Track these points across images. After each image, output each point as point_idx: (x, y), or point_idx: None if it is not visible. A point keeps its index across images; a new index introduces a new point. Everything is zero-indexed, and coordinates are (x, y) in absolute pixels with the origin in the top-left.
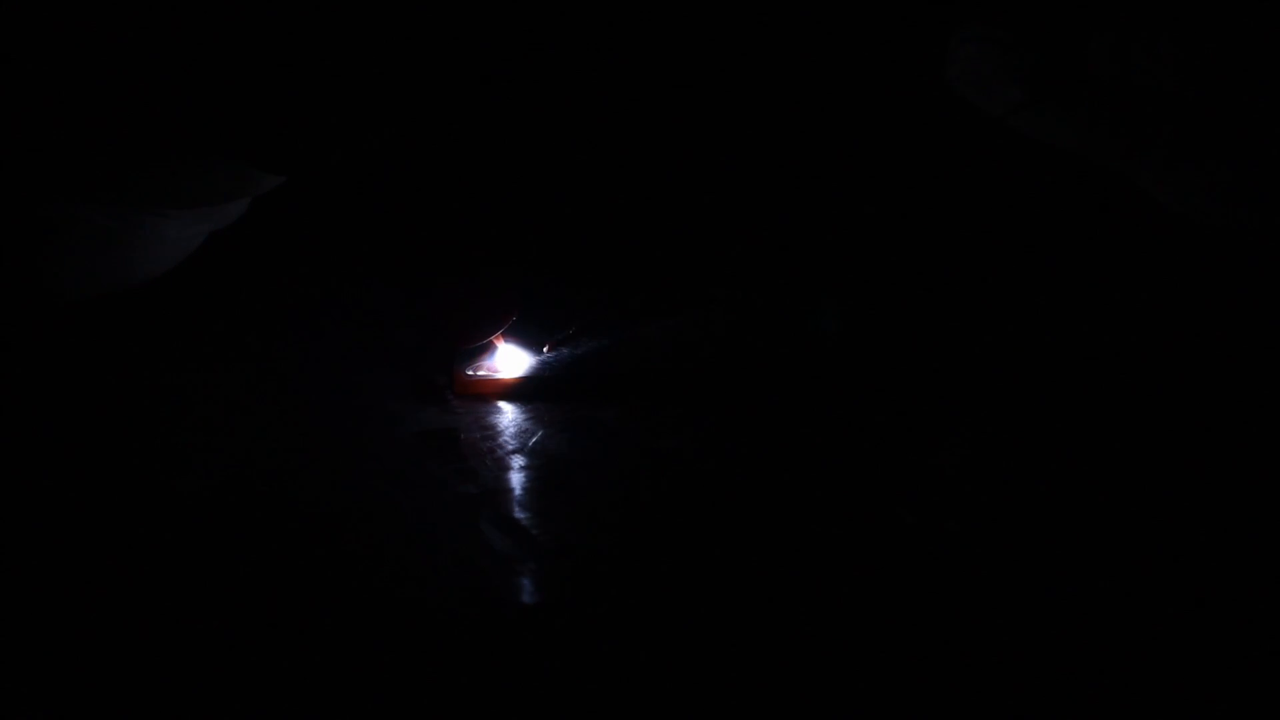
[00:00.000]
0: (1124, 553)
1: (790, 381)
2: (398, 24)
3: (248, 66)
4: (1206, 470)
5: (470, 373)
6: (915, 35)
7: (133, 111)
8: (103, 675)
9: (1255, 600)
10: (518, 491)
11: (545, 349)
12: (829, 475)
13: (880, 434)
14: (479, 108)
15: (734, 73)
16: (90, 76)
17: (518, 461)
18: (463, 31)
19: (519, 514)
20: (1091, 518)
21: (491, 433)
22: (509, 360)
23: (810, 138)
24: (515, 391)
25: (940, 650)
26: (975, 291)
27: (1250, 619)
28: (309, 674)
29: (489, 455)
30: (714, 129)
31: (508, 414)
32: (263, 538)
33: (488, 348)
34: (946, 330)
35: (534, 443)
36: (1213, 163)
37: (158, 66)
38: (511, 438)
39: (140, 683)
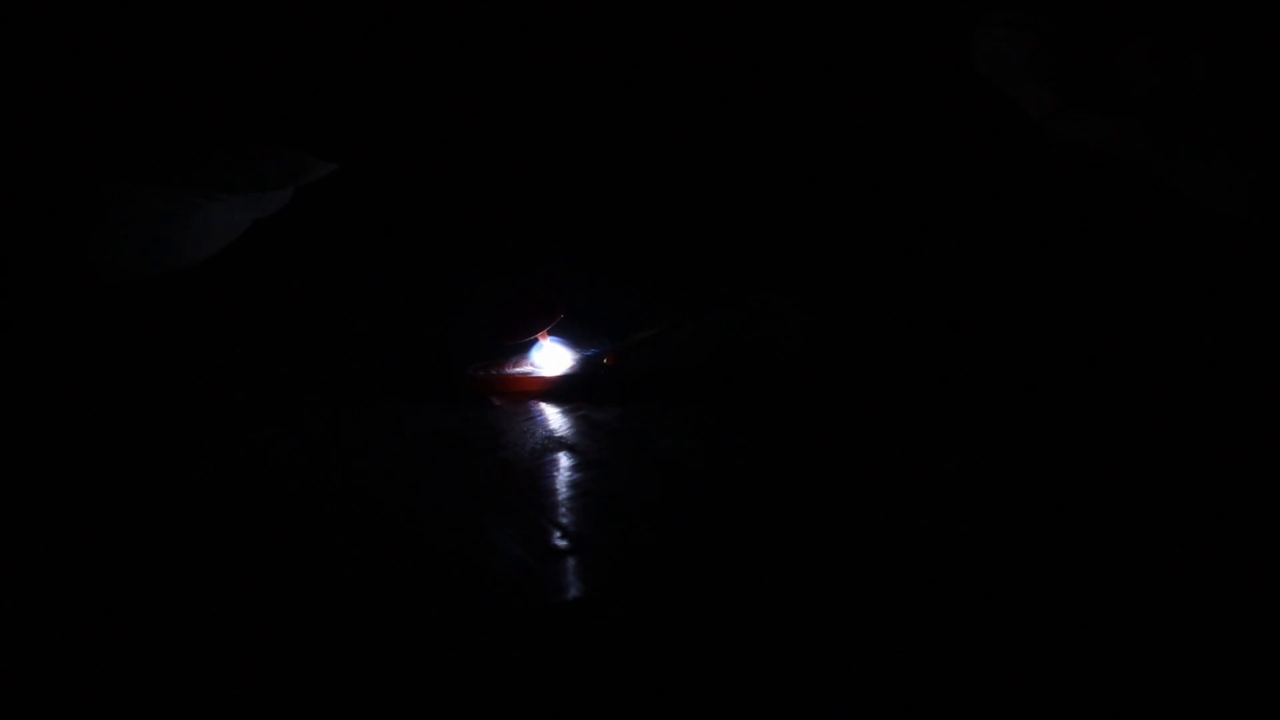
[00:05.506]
0: (1133, 554)
1: (791, 383)
2: (459, 22)
3: (309, 54)
4: (1217, 471)
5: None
6: (931, 27)
7: (193, 93)
8: (108, 672)
9: (1261, 602)
10: (521, 492)
11: (608, 358)
12: (835, 477)
13: (890, 436)
14: (519, 114)
15: (736, 68)
16: (151, 58)
17: (521, 462)
18: (512, 40)
19: (522, 514)
20: (1101, 519)
21: (495, 433)
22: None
23: (821, 136)
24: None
25: (951, 649)
26: (985, 295)
27: (1257, 621)
28: (311, 674)
29: (493, 455)
30: (721, 131)
31: (511, 414)
32: (264, 538)
33: (522, 346)
34: (956, 333)
35: (537, 443)
36: (1242, 161)
37: (220, 50)
38: (515, 438)
39: (139, 682)
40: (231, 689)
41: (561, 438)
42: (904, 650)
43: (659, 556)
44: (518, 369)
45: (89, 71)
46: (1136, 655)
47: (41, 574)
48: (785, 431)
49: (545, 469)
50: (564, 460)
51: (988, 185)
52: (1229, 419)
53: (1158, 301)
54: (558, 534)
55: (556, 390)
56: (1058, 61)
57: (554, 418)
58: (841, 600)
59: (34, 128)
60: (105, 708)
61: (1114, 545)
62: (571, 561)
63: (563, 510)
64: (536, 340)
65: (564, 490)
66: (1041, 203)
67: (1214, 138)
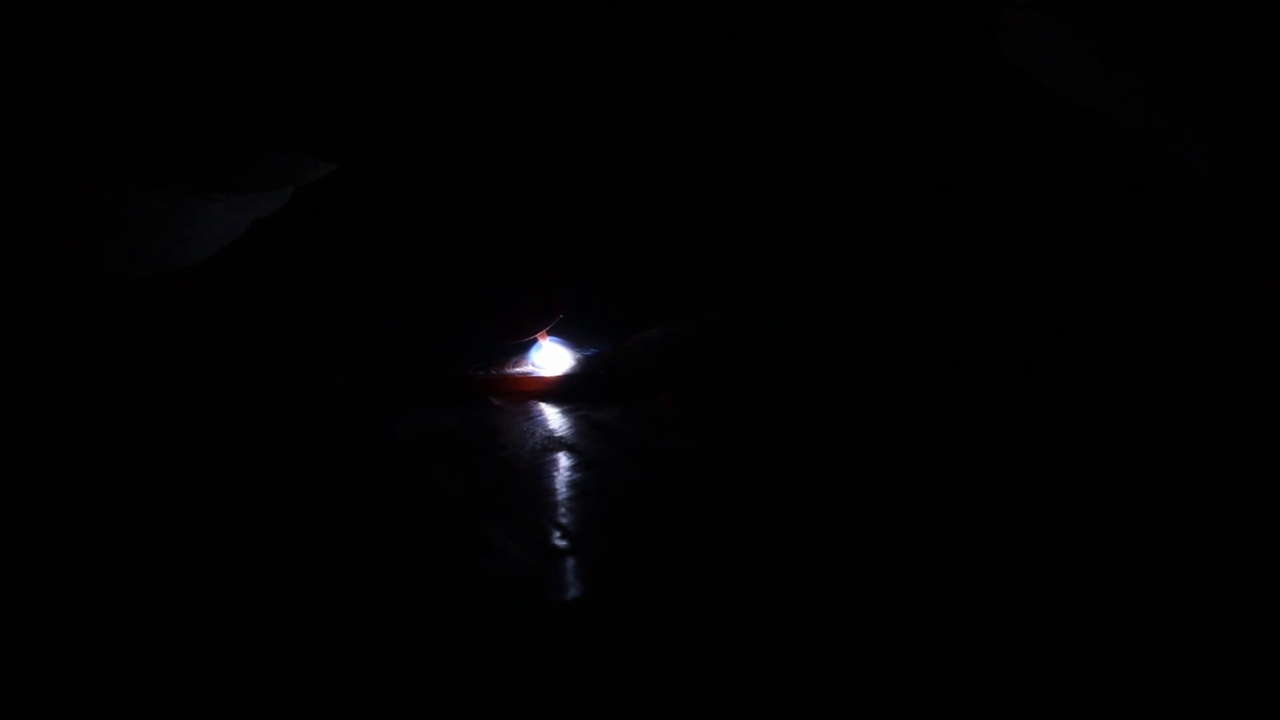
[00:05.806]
0: (1135, 555)
1: (792, 383)
2: (460, 22)
3: (308, 53)
4: (1220, 469)
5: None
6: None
7: (191, 92)
8: (107, 672)
9: (1262, 602)
10: (521, 492)
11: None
12: (836, 478)
13: (890, 436)
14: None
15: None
16: (149, 57)
17: (521, 462)
18: (512, 41)
19: (522, 514)
20: (1103, 521)
21: (495, 433)
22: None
23: (825, 134)
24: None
25: (952, 650)
26: (987, 292)
27: (1258, 621)
28: (311, 675)
29: (493, 455)
30: (720, 128)
31: (511, 414)
32: (263, 539)
33: (518, 347)
34: (955, 332)
35: (537, 443)
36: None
37: (218, 49)
38: (515, 438)
39: (139, 683)
40: (231, 690)
41: (561, 438)
42: (904, 651)
43: (659, 557)
44: (518, 369)
45: (89, 71)
46: (1137, 656)
47: (41, 575)
48: (785, 431)
49: (545, 469)
50: (564, 460)
51: (990, 182)
52: (1233, 418)
53: (1160, 302)
54: (558, 534)
55: (556, 390)
56: (1090, 34)
57: (554, 418)
58: (841, 601)
59: (34, 128)
60: (105, 708)
61: (1116, 547)
62: (571, 561)
63: (563, 510)
64: (536, 340)
65: (564, 490)
66: (1044, 202)
67: (1250, 115)
